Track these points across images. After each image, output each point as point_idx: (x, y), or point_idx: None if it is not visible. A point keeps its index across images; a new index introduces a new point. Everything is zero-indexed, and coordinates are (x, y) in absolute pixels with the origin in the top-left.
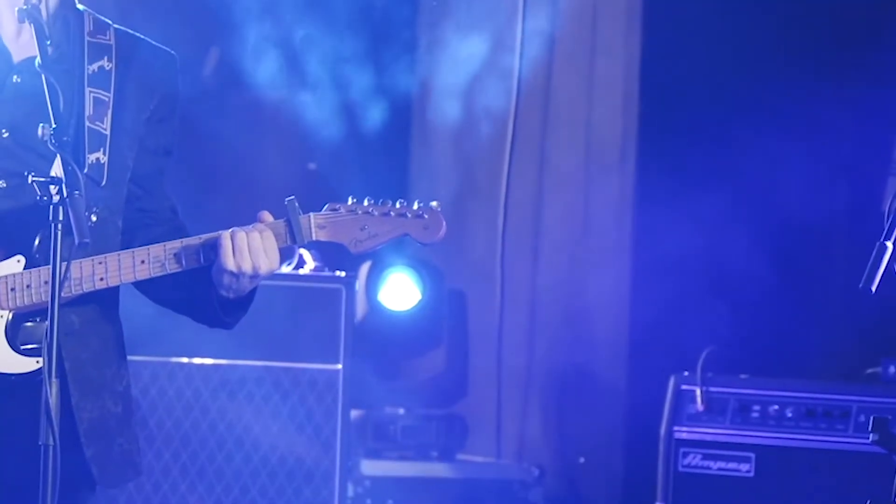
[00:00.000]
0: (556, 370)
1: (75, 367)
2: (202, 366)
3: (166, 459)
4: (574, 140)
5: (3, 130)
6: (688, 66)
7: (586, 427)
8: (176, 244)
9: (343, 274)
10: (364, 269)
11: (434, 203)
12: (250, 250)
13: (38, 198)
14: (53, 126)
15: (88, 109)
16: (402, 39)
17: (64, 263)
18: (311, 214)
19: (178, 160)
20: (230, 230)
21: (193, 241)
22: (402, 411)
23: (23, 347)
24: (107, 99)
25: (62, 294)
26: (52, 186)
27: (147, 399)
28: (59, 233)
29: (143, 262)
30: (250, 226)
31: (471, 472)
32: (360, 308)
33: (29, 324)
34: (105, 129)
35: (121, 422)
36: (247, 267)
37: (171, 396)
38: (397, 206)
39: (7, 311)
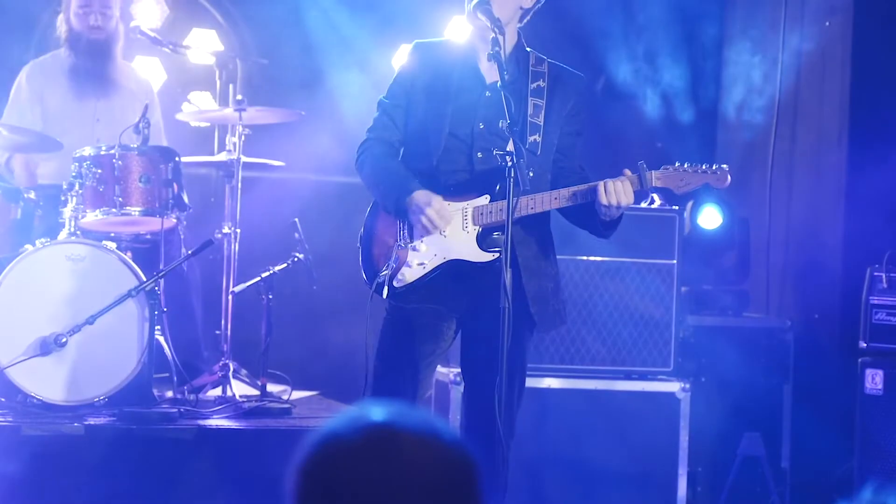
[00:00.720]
0: (801, 263)
1: (524, 259)
2: (594, 261)
3: (573, 316)
4: (811, 128)
5: (481, 123)
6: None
7: (818, 296)
8: (574, 188)
9: (677, 207)
10: (689, 204)
11: (724, 165)
12: (616, 192)
13: (499, 163)
14: (507, 122)
15: (530, 110)
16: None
17: (515, 199)
18: (652, 171)
19: (590, 144)
20: (604, 181)
21: (583, 187)
22: (709, 287)
23: (486, 248)
24: (541, 104)
25: (501, 218)
26: (508, 157)
27: (568, 284)
28: (511, 183)
29: (555, 198)
30: (616, 178)
31: (751, 322)
32: (687, 227)
33: (494, 235)
34: (540, 122)
35: (553, 292)
36: (613, 202)
37: (577, 280)
38: (703, 166)
39: (478, 226)
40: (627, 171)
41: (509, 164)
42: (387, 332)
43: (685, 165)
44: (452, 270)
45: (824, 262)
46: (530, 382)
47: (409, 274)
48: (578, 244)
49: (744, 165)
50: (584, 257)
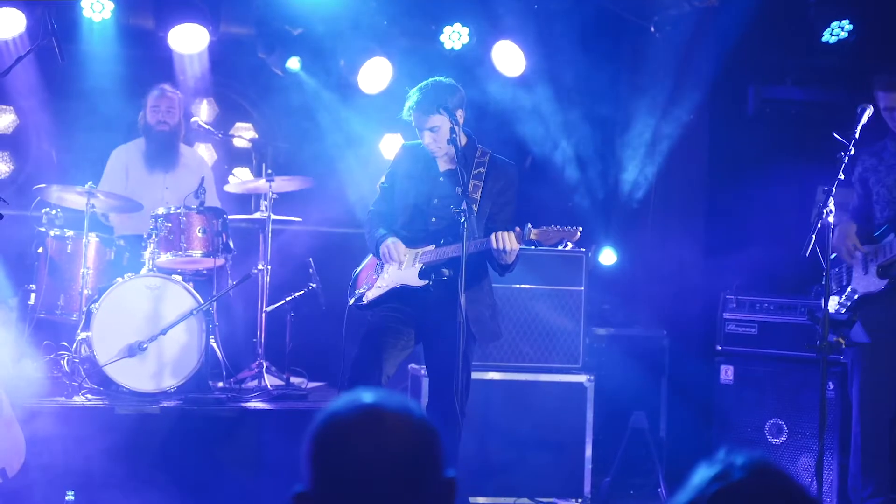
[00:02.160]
0: (673, 288)
1: (451, 284)
2: (524, 288)
3: (510, 331)
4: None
5: (436, 199)
6: None
7: (686, 313)
8: (479, 240)
9: (584, 249)
10: (593, 247)
11: (578, 228)
12: (502, 240)
13: (447, 224)
14: (461, 189)
15: (471, 188)
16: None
17: (455, 244)
18: (532, 229)
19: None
20: (495, 233)
21: (484, 239)
22: (607, 306)
23: (422, 278)
24: (479, 184)
25: (444, 258)
26: (461, 214)
27: (503, 309)
28: (465, 233)
29: (470, 248)
30: (506, 231)
31: (637, 332)
32: (592, 263)
33: (428, 270)
34: (477, 196)
35: (491, 316)
36: (499, 246)
37: (510, 307)
38: (561, 228)
39: (421, 263)
40: (517, 228)
41: (462, 219)
42: (365, 330)
43: (553, 226)
44: (401, 292)
45: (691, 288)
46: (479, 375)
47: (372, 293)
48: (513, 276)
49: (634, 219)
50: (518, 285)
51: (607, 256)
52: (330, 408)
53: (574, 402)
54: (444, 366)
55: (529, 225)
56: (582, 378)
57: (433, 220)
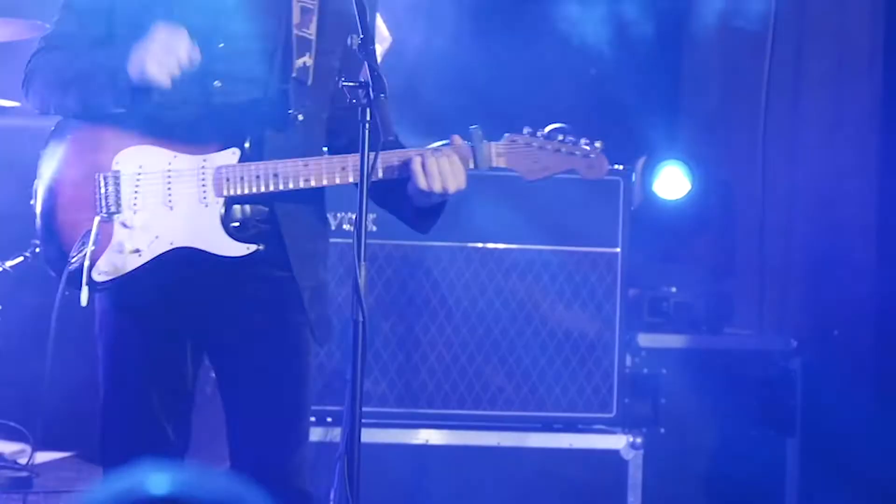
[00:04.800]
0: (812, 254)
1: (294, 243)
2: (495, 249)
3: (464, 334)
4: (827, 48)
5: (221, 43)
6: None
7: (841, 304)
8: (377, 159)
9: (621, 167)
10: (640, 162)
11: (598, 143)
12: (440, 173)
13: (347, 101)
14: (361, 37)
15: (296, 17)
16: None
17: (372, 155)
18: (493, 144)
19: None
20: (420, 154)
21: (392, 157)
22: (674, 290)
23: (234, 232)
24: (312, 6)
25: (270, 188)
26: (360, 90)
27: (446, 280)
28: (367, 131)
29: (343, 168)
30: (439, 150)
31: (736, 343)
32: (637, 197)
33: (240, 209)
34: (310, 35)
35: (324, 289)
36: (437, 187)
37: (468, 277)
38: (568, 143)
39: (221, 199)
40: (457, 139)
41: (363, 100)
42: (106, 353)
43: (540, 137)
44: (184, 264)
45: (850, 250)
46: (399, 437)
47: (118, 263)
48: (467, 224)
49: (724, 103)
50: (479, 244)
51: (671, 180)
52: None
53: (603, 492)
54: (269, 400)
55: (478, 130)
56: (619, 441)
57: (216, 84)
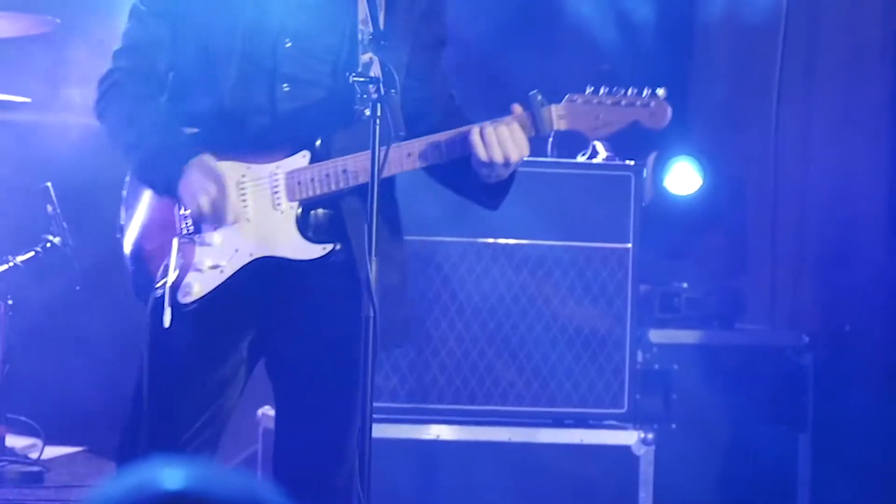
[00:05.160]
0: (824, 248)
1: (361, 242)
2: (506, 245)
3: (474, 329)
4: (839, 41)
5: (287, 41)
6: None
7: (853, 299)
8: (437, 137)
9: (632, 163)
10: (651, 158)
11: (660, 91)
12: (499, 142)
13: (357, 96)
14: (371, 31)
15: (361, 13)
16: None
17: (383, 154)
18: (553, 106)
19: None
20: (479, 125)
21: (451, 134)
22: (685, 285)
23: (310, 235)
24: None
25: (341, 186)
26: (371, 86)
27: (457, 275)
28: (378, 127)
29: (409, 154)
30: (498, 119)
31: (747, 339)
32: (648, 193)
33: (315, 213)
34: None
35: (401, 291)
36: (497, 158)
37: (479, 273)
38: (628, 95)
39: (296, 204)
40: (517, 107)
41: (374, 96)
42: (150, 364)
43: (601, 94)
44: (263, 272)
45: (862, 245)
46: (409, 432)
47: (201, 283)
48: (478, 219)
49: (735, 98)
50: (490, 240)
51: (683, 176)
52: (93, 501)
53: (613, 487)
54: (328, 410)
55: (538, 95)
56: (630, 437)
57: (285, 88)
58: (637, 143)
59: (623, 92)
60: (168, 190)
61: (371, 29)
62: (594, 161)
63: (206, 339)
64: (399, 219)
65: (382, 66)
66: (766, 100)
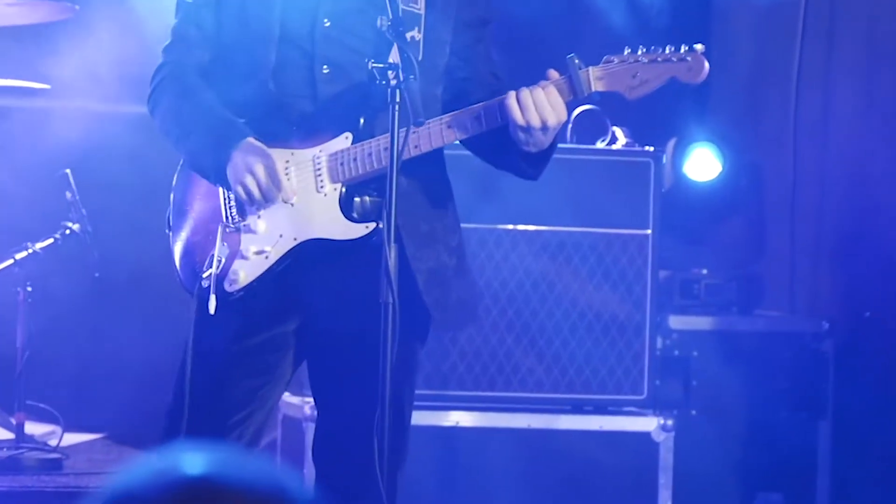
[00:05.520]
0: (844, 234)
1: (408, 222)
2: (526, 231)
3: (494, 316)
4: (859, 28)
5: (325, 19)
6: None
7: (872, 285)
8: (476, 107)
9: (651, 149)
10: (670, 144)
11: (699, 46)
12: (536, 106)
13: (377, 82)
14: (389, 19)
15: None
16: None
17: (403, 136)
18: (590, 68)
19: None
20: (516, 90)
21: (490, 102)
22: (705, 271)
23: (355, 215)
24: None
25: (383, 164)
26: (389, 72)
27: (476, 262)
28: (397, 113)
29: (449, 126)
30: (535, 84)
31: (767, 325)
32: (667, 179)
33: (359, 196)
34: (420, 9)
35: (457, 272)
36: (535, 121)
37: (498, 259)
38: (665, 51)
39: (339, 185)
40: (553, 73)
41: (392, 82)
42: (194, 351)
43: (638, 53)
44: (307, 256)
45: (881, 231)
46: (428, 419)
47: (247, 270)
48: (499, 204)
49: (755, 84)
50: (510, 226)
51: (702, 162)
52: (114, 488)
53: (633, 473)
54: (356, 393)
55: (575, 58)
56: (649, 423)
57: (324, 70)
58: (656, 129)
59: (660, 49)
60: (218, 175)
61: (415, 8)
62: (613, 147)
63: (253, 325)
64: (450, 195)
65: (401, 52)
66: (786, 86)
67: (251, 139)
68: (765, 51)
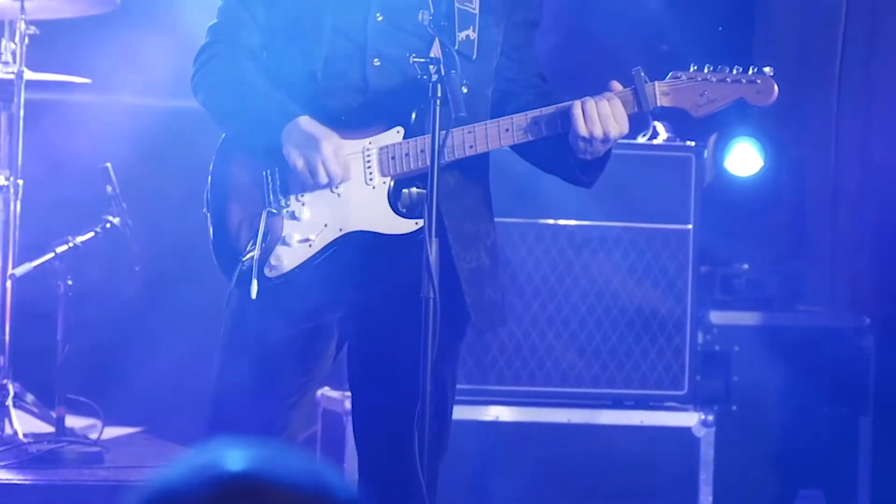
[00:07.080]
0: (885, 230)
1: (453, 223)
2: (566, 226)
3: (534, 310)
4: None
5: (378, 13)
6: None
7: None
8: (536, 113)
9: (693, 143)
10: (711, 138)
11: (767, 69)
12: (600, 117)
13: (418, 76)
14: (431, 13)
15: None
16: None
17: (442, 133)
18: (656, 82)
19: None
20: (581, 100)
21: (551, 109)
22: (746, 267)
23: (402, 210)
24: None
25: (419, 163)
26: (431, 66)
27: (517, 256)
28: (438, 107)
29: (507, 130)
30: (600, 95)
31: (808, 320)
32: (708, 174)
33: (408, 190)
34: (474, 9)
35: (490, 273)
36: (598, 132)
37: (539, 254)
38: (734, 72)
39: (389, 178)
40: (617, 85)
41: (435, 77)
42: (238, 339)
43: (705, 71)
44: (351, 247)
45: None
46: (468, 413)
47: (289, 257)
48: (539, 200)
49: (797, 79)
50: (550, 221)
51: (744, 158)
52: (154, 483)
53: (674, 468)
54: (397, 387)
55: (641, 71)
56: (690, 418)
57: (376, 62)
58: (698, 123)
59: (728, 69)
60: (269, 152)
61: (469, 7)
62: (655, 142)
63: (293, 313)
64: (490, 200)
65: (443, 46)
66: (828, 81)
67: (304, 118)
68: (807, 46)
